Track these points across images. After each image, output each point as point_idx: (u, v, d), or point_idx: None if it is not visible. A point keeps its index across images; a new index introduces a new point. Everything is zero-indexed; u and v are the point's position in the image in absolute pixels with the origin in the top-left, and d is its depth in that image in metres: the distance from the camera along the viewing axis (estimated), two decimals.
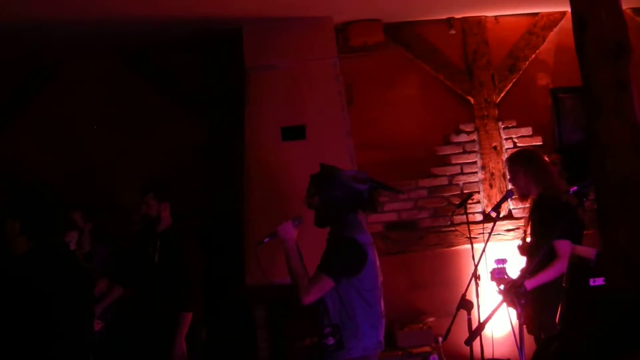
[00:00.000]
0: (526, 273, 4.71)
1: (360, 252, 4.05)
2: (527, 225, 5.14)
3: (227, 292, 5.95)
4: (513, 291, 4.14)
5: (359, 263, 4.04)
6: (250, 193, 5.95)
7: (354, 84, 6.59)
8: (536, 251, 4.80)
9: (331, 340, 4.05)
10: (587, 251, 4.64)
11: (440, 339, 6.11)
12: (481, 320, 4.32)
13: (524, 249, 5.13)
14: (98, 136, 6.74)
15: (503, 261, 4.85)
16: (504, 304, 4.40)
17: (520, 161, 5.10)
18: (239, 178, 6.14)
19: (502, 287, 4.73)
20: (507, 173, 5.08)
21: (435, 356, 6.07)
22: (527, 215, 5.23)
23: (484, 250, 5.01)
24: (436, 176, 6.66)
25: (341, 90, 6.22)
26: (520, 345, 3.99)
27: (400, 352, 6.11)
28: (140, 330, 5.27)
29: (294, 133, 6.01)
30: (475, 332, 4.48)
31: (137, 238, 5.38)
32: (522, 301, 4.34)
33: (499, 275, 4.81)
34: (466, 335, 4.42)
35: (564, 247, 4.69)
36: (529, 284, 4.57)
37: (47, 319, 3.10)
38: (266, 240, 4.25)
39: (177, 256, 5.08)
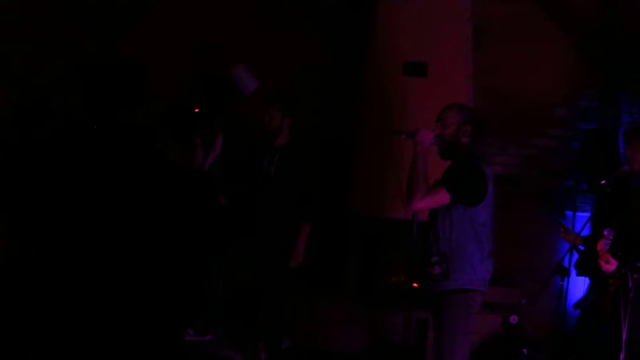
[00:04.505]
0: None
1: (484, 182, 4.01)
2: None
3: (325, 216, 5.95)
4: (628, 265, 4.04)
5: (479, 193, 4.00)
6: (365, 122, 5.91)
7: (482, 29, 6.37)
8: None
9: (437, 270, 4.03)
10: None
11: (524, 301, 6.04)
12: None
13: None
14: (222, 43, 6.61)
15: (611, 233, 4.71)
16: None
17: None
18: (355, 104, 6.09)
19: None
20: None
21: (516, 317, 6.00)
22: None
23: (589, 219, 4.92)
24: (550, 137, 6.46)
25: (469, 33, 6.06)
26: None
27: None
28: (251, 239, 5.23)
29: (416, 69, 5.91)
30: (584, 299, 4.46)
31: (254, 150, 5.29)
32: (635, 276, 4.24)
33: (605, 247, 4.68)
34: (551, 303, 4.39)
35: None
36: None
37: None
38: (403, 136, 4.21)
39: (299, 171, 5.04)
